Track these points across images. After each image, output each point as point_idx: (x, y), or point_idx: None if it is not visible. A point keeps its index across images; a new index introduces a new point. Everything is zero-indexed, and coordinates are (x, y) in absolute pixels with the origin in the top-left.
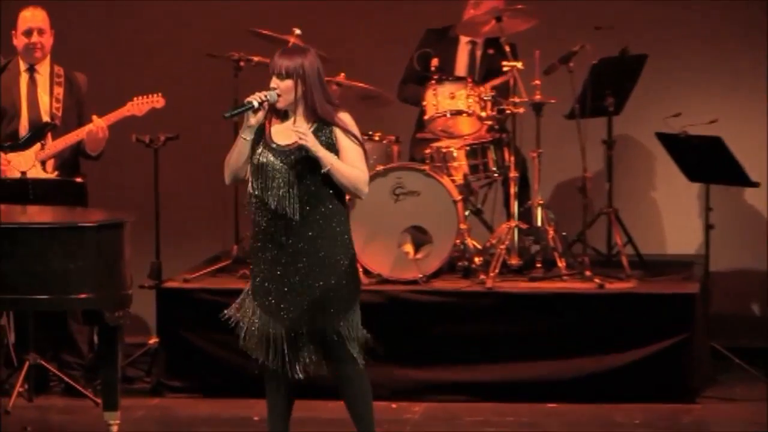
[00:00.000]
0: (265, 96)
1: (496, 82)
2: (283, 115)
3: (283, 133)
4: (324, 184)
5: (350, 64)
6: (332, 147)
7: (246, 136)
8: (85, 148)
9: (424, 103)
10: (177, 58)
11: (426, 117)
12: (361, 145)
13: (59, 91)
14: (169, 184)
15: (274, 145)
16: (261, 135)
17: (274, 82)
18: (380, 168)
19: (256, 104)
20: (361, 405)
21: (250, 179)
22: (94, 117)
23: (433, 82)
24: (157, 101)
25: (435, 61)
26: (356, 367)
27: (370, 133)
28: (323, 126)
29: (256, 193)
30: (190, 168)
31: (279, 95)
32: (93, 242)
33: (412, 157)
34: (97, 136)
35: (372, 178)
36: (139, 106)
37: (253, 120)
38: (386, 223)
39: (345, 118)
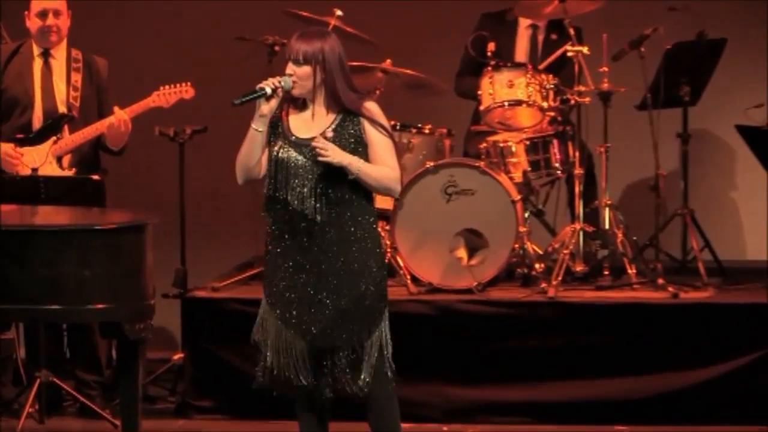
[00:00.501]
0: (279, 82)
1: (551, 58)
2: (301, 105)
3: (302, 125)
4: (351, 180)
5: (397, 49)
6: (360, 140)
7: (258, 127)
8: (105, 142)
9: (480, 92)
10: (205, 42)
11: (481, 108)
12: (391, 137)
13: (77, 78)
14: (196, 181)
15: (293, 138)
16: (278, 128)
17: (290, 68)
18: (430, 164)
19: (269, 91)
20: (390, 426)
21: (267, 178)
22: (116, 109)
23: (489, 68)
24: (186, 91)
25: (492, 46)
26: (385, 385)
27: (419, 125)
28: (348, 117)
29: (275, 193)
30: (219, 164)
31: (295, 82)
32: (111, 247)
33: (466, 153)
34: (119, 130)
35: (421, 175)
36: (165, 96)
37: (266, 109)
38: (437, 225)
39: (372, 107)
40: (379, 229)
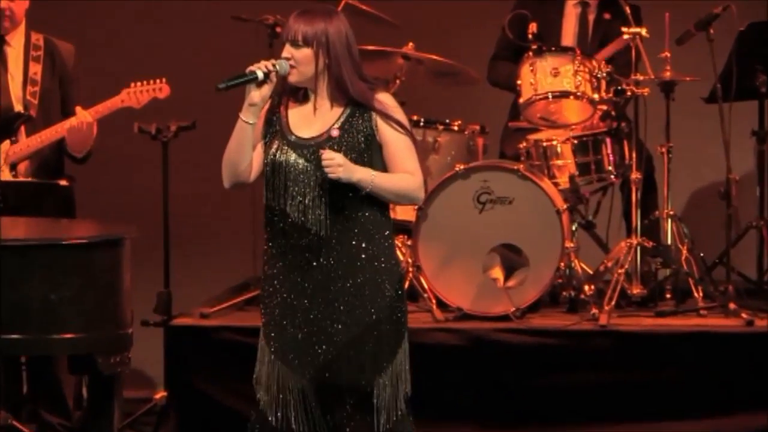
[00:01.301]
0: (274, 66)
1: (609, 50)
2: (301, 98)
3: (303, 121)
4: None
5: (421, 31)
6: (372, 139)
7: (248, 119)
8: (66, 148)
9: (519, 81)
10: (194, 21)
11: (521, 100)
12: (410, 134)
13: (36, 69)
14: (183, 187)
15: (292, 138)
16: (275, 126)
17: (287, 50)
18: (460, 167)
19: (260, 75)
20: None
21: (264, 185)
22: (78, 109)
23: (531, 54)
24: (160, 89)
25: (533, 27)
26: (403, 426)
27: (447, 121)
28: (357, 111)
29: (272, 203)
30: (210, 166)
31: (292, 66)
32: (82, 265)
33: (503, 153)
34: (82, 134)
35: (449, 180)
36: (136, 95)
37: (257, 96)
38: (468, 240)
39: (386, 99)
40: (398, 245)
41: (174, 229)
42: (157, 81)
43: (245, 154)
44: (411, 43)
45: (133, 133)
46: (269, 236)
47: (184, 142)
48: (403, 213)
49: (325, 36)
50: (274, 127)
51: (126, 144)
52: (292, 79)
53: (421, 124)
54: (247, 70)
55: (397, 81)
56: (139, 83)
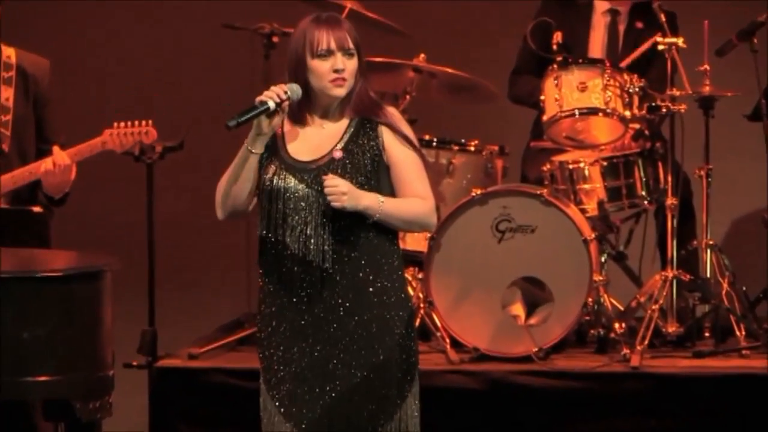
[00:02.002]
0: (285, 93)
1: (637, 53)
2: (297, 116)
3: (304, 142)
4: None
5: (434, 41)
6: (379, 159)
7: (255, 149)
8: (42, 187)
9: (543, 97)
10: (183, 30)
11: (545, 118)
12: (419, 152)
13: (8, 94)
14: (169, 215)
15: (291, 161)
16: (272, 147)
17: (340, 62)
18: (477, 192)
19: (272, 105)
20: None
21: (259, 213)
22: (56, 150)
23: (555, 66)
24: (147, 133)
25: (558, 37)
26: None
27: (463, 141)
28: (362, 128)
29: (268, 234)
30: (198, 191)
31: (344, 81)
32: (57, 300)
33: (525, 177)
34: (58, 178)
35: (465, 207)
36: (120, 137)
37: (266, 126)
38: (485, 273)
39: (395, 113)
40: (408, 278)
41: (160, 261)
42: (143, 123)
43: (247, 185)
44: (422, 54)
45: (114, 155)
46: (265, 270)
47: (170, 164)
48: (414, 243)
49: (359, 39)
50: (270, 149)
51: (106, 166)
52: (341, 93)
53: (434, 144)
54: (257, 101)
55: (407, 96)
56: (122, 124)
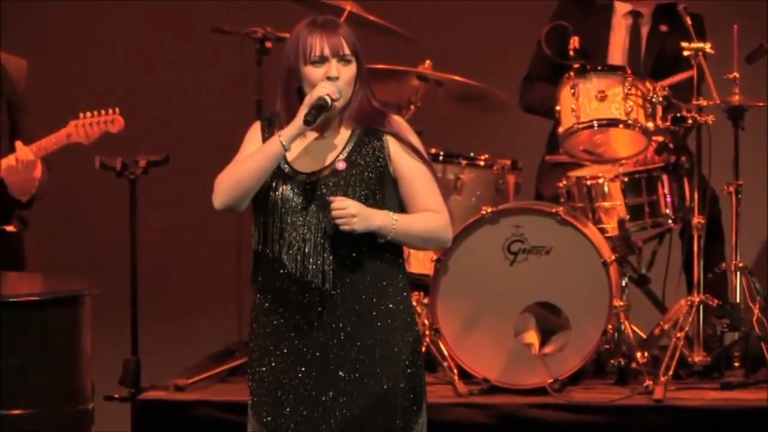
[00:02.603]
0: (338, 93)
1: (675, 79)
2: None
3: (303, 151)
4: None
5: (441, 47)
6: (385, 171)
7: (288, 145)
8: (8, 190)
9: (558, 107)
10: (168, 35)
11: (561, 130)
12: (428, 163)
13: None
14: (153, 234)
15: (290, 171)
16: None
17: (335, 69)
18: (487, 211)
19: (329, 101)
20: None
21: (253, 227)
22: (18, 145)
23: (572, 74)
24: (113, 122)
25: (575, 41)
26: None
27: (472, 154)
28: (366, 138)
29: (264, 250)
30: (185, 208)
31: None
32: (33, 328)
33: (539, 194)
34: (21, 175)
35: (474, 226)
36: (86, 128)
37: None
38: (496, 298)
39: (401, 122)
40: (414, 303)
41: (144, 284)
42: (109, 111)
43: (261, 180)
44: (428, 61)
45: (94, 169)
46: (260, 288)
47: (154, 179)
48: (419, 266)
49: (357, 44)
50: None
51: (86, 181)
52: (339, 104)
53: (441, 158)
54: (318, 97)
55: (412, 106)
56: (89, 114)
